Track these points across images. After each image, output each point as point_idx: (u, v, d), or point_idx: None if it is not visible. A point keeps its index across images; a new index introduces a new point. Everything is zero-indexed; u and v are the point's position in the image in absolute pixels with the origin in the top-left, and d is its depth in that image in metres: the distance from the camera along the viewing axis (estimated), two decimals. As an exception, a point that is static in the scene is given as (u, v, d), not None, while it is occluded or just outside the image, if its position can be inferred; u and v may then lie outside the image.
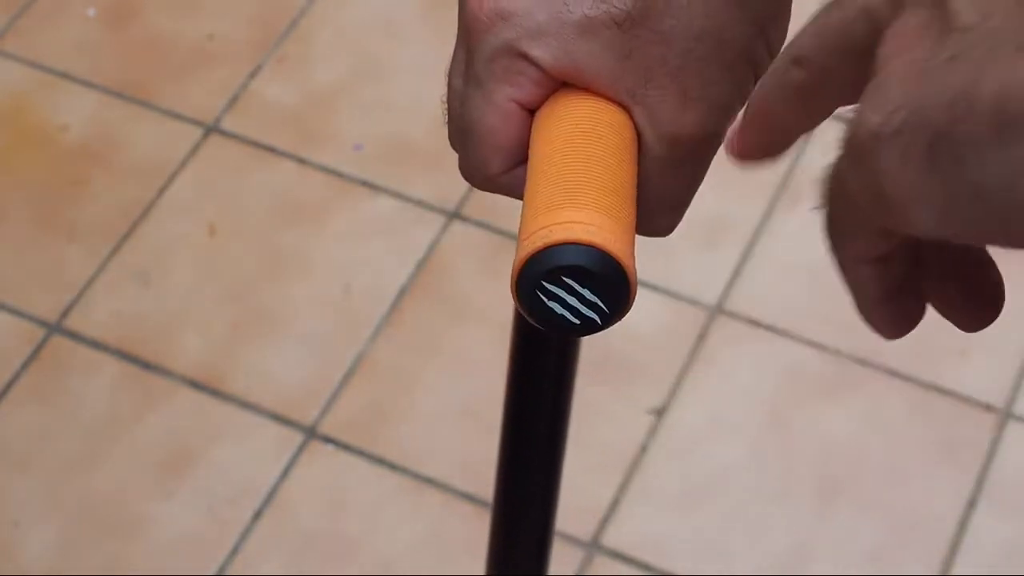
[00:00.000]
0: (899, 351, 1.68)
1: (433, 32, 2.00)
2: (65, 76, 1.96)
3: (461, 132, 0.61)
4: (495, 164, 0.60)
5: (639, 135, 0.59)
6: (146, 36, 2.00)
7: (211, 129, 1.91)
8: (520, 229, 0.56)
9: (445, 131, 0.63)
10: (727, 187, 1.81)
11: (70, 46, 1.99)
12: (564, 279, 0.54)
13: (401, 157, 1.88)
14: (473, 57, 0.59)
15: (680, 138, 0.58)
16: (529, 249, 0.54)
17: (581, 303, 0.55)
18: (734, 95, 0.59)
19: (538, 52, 0.58)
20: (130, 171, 1.88)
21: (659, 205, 0.61)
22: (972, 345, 1.70)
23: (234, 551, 1.60)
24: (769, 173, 1.84)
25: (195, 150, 1.89)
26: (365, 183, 1.86)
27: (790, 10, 0.60)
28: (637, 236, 0.62)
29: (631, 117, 0.58)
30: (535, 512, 0.86)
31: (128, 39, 2.00)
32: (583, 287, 0.54)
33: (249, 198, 1.86)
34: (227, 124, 1.91)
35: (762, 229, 1.81)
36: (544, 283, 0.54)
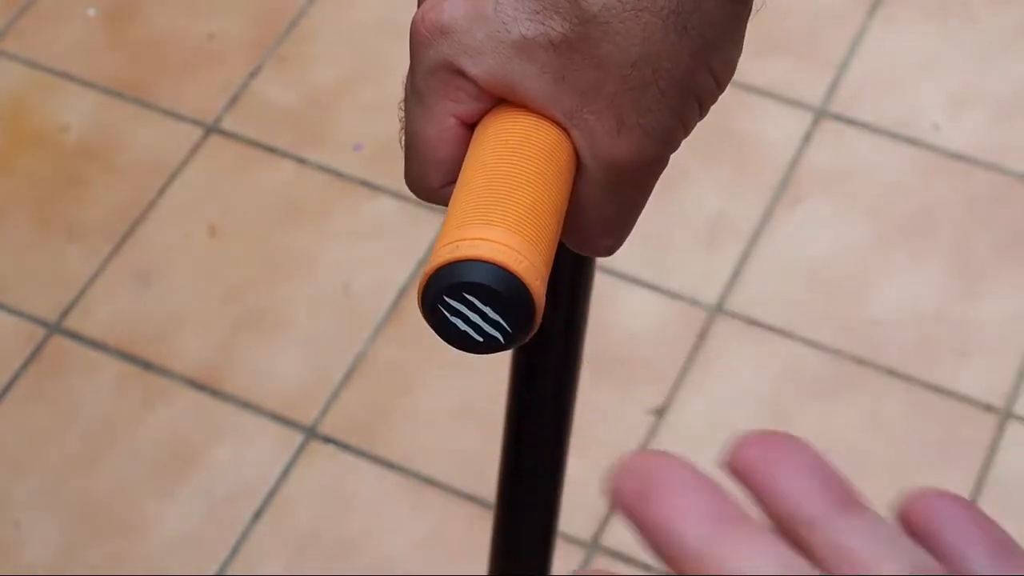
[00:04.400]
0: (899, 351, 1.68)
1: (433, 32, 1.99)
2: (65, 76, 1.96)
3: (405, 142, 0.61)
4: (434, 177, 0.60)
5: (578, 156, 0.58)
6: (146, 36, 2.00)
7: (211, 129, 1.91)
8: (436, 240, 0.55)
9: None
10: (727, 187, 1.81)
11: (70, 46, 1.99)
12: (467, 296, 0.53)
13: (401, 157, 1.88)
14: (415, 70, 0.59)
15: (617, 163, 0.58)
16: (435, 263, 0.53)
17: (484, 321, 0.54)
18: (674, 124, 0.58)
19: (474, 69, 0.57)
20: (130, 171, 1.88)
21: (598, 227, 0.61)
22: (972, 345, 1.70)
23: (234, 551, 1.60)
24: (769, 173, 1.84)
25: (195, 150, 1.89)
26: (365, 183, 1.86)
27: (741, 40, 0.58)
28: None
29: (570, 138, 0.58)
30: (538, 513, 0.86)
31: (128, 39, 2.00)
32: (485, 305, 0.53)
33: (249, 198, 1.86)
34: (227, 124, 1.91)
35: (762, 229, 1.81)
36: (446, 298, 0.53)
